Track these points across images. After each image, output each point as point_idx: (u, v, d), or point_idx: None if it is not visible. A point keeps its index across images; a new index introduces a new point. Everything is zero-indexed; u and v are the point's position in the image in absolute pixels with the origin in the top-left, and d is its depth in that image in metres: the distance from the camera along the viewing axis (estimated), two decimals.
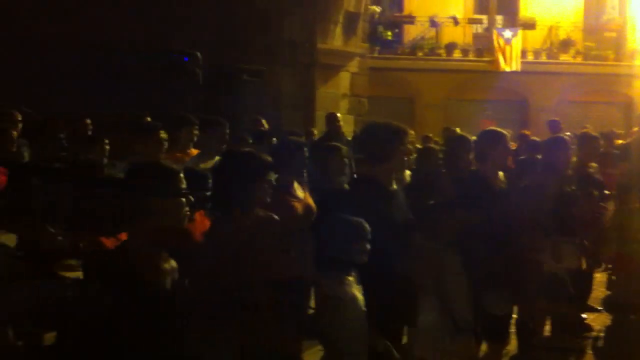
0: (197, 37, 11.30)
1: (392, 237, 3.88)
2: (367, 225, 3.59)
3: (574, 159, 6.11)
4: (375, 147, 4.18)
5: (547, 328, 6.34)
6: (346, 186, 5.46)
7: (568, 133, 8.64)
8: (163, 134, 5.83)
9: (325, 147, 6.16)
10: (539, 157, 6.39)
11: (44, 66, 10.66)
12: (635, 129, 8.89)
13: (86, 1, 11.60)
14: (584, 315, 6.77)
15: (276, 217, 3.42)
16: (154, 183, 2.73)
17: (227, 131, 6.64)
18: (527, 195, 5.25)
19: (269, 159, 3.46)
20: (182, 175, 2.84)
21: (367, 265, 3.72)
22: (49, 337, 4.63)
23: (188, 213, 2.86)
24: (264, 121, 9.62)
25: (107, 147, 7.09)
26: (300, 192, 4.93)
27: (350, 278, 3.62)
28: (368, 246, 3.60)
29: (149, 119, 7.90)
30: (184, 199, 2.79)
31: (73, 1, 11.50)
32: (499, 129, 5.30)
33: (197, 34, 11.46)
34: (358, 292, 3.63)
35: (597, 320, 6.81)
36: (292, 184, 4.81)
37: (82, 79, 10.75)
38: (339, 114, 11.33)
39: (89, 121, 8.77)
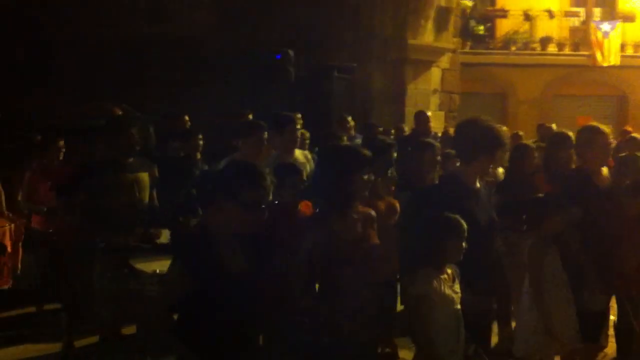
0: (288, 35, 11.42)
1: (475, 236, 3.81)
2: (464, 223, 3.55)
3: None
4: (464, 145, 4.13)
5: None
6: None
7: None
8: (264, 134, 5.89)
9: (420, 144, 6.15)
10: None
11: (144, 66, 11.04)
12: None
13: (182, 2, 11.92)
14: None
15: (373, 212, 3.46)
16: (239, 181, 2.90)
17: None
18: (629, 193, 5.06)
19: (368, 153, 3.52)
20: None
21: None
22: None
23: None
24: (349, 118, 9.65)
25: (201, 142, 7.35)
26: (383, 190, 4.98)
27: (444, 276, 3.58)
28: (464, 245, 3.56)
29: (250, 116, 8.08)
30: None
31: (170, 2, 11.84)
32: (597, 124, 5.15)
33: (288, 31, 11.59)
34: (450, 291, 3.58)
35: None
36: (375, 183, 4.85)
37: (178, 80, 11.11)
38: (429, 112, 11.16)
39: (187, 118, 9.06)
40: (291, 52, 10.45)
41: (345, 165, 3.40)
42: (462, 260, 3.69)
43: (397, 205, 5.00)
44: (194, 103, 9.91)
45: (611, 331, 5.62)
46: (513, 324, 5.30)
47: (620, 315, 5.43)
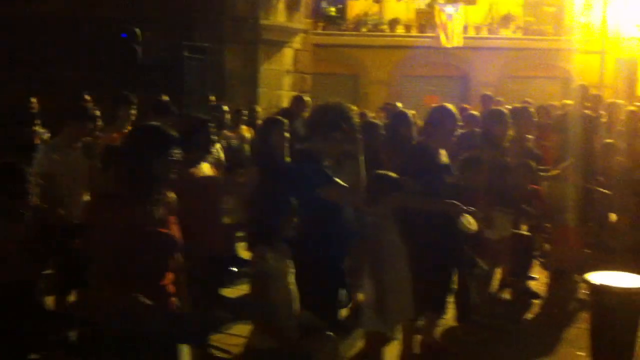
0: (136, 14, 11.06)
1: (326, 212, 3.92)
2: (293, 200, 3.61)
3: (511, 132, 6.24)
4: (319, 126, 4.21)
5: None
6: (288, 159, 5.51)
7: (508, 106, 8.81)
8: (95, 111, 5.71)
9: (267, 121, 6.18)
10: (477, 130, 6.53)
11: None
12: (569, 101, 9.10)
13: None
14: (529, 284, 6.97)
15: (173, 196, 3.29)
16: None
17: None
18: (466, 167, 5.34)
19: (174, 133, 3.23)
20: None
21: (299, 241, 3.75)
22: None
23: None
24: (212, 97, 9.55)
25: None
26: (207, 168, 4.90)
27: (279, 253, 3.63)
28: (295, 220, 3.61)
29: (87, 97, 7.76)
30: None
31: None
32: (448, 106, 5.35)
33: (136, 10, 11.22)
34: (286, 267, 3.65)
35: (539, 289, 7.01)
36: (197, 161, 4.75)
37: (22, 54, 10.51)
38: (307, 98, 11.06)
39: (34, 100, 8.63)
40: (138, 31, 10.13)
41: (147, 147, 3.11)
42: (314, 238, 3.77)
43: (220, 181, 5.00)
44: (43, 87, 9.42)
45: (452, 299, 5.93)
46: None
47: (459, 285, 5.74)
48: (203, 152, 4.87)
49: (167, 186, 3.23)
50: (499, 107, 6.79)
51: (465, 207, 4.76)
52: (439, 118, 5.20)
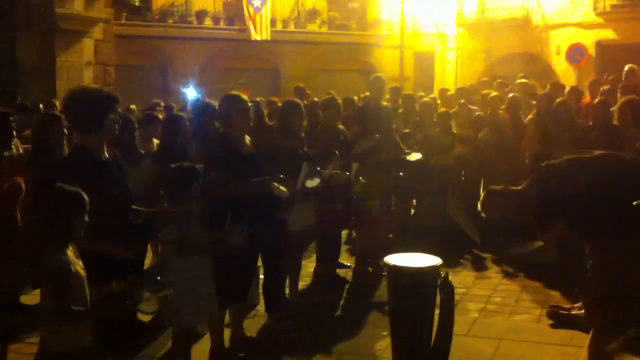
0: None
1: (108, 208, 3.74)
2: (85, 196, 3.40)
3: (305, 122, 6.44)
4: (84, 115, 3.98)
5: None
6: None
7: (316, 99, 9.01)
8: None
9: (47, 117, 5.85)
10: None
11: None
12: (367, 93, 9.51)
13: None
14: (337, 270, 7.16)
15: None
16: None
17: None
18: (266, 157, 5.37)
19: None
20: None
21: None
22: None
23: None
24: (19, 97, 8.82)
25: None
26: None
27: (69, 251, 3.41)
28: (86, 218, 3.41)
29: None
30: None
31: None
32: (238, 94, 5.34)
33: None
34: (79, 267, 3.44)
35: (348, 275, 7.22)
36: None
37: None
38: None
39: None
40: None
41: None
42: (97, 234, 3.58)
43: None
44: None
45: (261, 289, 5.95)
46: None
47: (267, 274, 5.76)
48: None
49: None
50: (294, 99, 6.92)
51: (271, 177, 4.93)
52: (228, 106, 5.18)
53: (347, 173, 6.77)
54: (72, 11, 12.49)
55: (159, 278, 3.81)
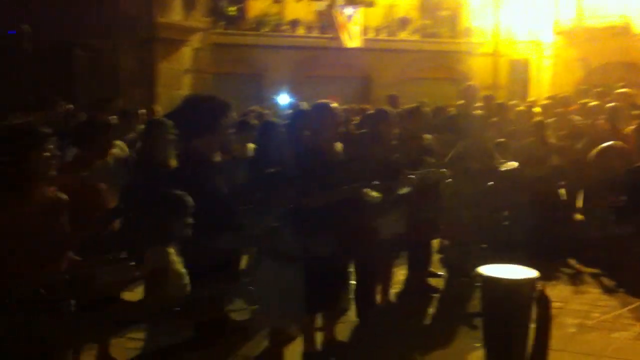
0: (27, 11, 10.59)
1: (217, 209, 3.87)
2: (189, 199, 3.54)
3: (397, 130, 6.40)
4: (199, 120, 4.14)
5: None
6: (173, 161, 5.42)
7: (407, 107, 8.99)
8: None
9: (151, 123, 6.04)
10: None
11: None
12: (461, 101, 9.38)
13: None
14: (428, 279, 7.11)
15: (65, 196, 3.21)
16: None
17: (62, 110, 6.36)
18: (356, 165, 5.40)
19: (46, 130, 3.16)
20: None
21: (191, 238, 3.68)
22: None
23: None
24: (121, 101, 9.28)
25: None
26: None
27: (172, 250, 3.55)
28: (191, 220, 3.55)
29: None
30: None
31: None
32: (328, 102, 5.39)
33: (27, 7, 10.73)
34: (180, 266, 3.58)
35: (440, 284, 7.17)
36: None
37: None
38: (179, 91, 10.99)
39: None
40: (27, 27, 9.70)
41: (19, 143, 3.03)
42: (207, 235, 3.70)
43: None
44: None
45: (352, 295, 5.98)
46: None
47: (358, 280, 5.80)
48: (100, 154, 4.87)
49: (46, 183, 3.12)
50: (385, 107, 6.92)
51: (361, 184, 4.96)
52: (315, 116, 5.23)
53: (444, 170, 6.67)
54: (172, 21, 12.97)
55: (251, 288, 3.92)
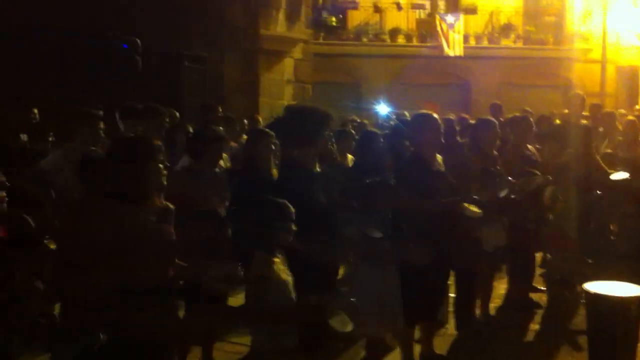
0: (136, 23, 11.10)
1: (315, 219, 3.95)
2: (290, 206, 3.64)
3: (499, 140, 6.28)
4: (300, 131, 4.24)
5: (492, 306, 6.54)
6: (275, 171, 5.56)
7: (510, 116, 8.81)
8: (101, 123, 5.77)
9: (254, 133, 6.20)
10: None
11: None
12: (566, 110, 9.08)
13: None
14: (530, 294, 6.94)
15: (171, 206, 3.39)
16: None
17: (167, 119, 6.65)
18: (454, 174, 5.36)
19: (158, 142, 3.39)
20: None
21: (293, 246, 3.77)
22: None
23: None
24: (219, 108, 9.60)
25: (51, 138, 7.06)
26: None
27: (277, 259, 3.65)
28: (293, 227, 3.64)
29: (93, 108, 7.79)
30: None
31: None
32: (429, 112, 5.38)
33: (136, 20, 11.26)
34: (285, 274, 3.67)
35: (542, 299, 6.98)
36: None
37: (24, 65, 10.53)
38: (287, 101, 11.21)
39: (35, 110, 8.70)
40: (138, 41, 10.17)
41: (137, 155, 3.22)
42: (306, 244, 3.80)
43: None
44: (40, 94, 9.48)
45: (451, 308, 5.93)
46: None
47: (458, 292, 5.75)
48: (210, 164, 5.06)
49: (159, 192, 3.33)
50: (488, 117, 6.81)
51: (461, 198, 4.91)
52: (416, 126, 5.22)
53: (548, 176, 6.50)
54: (275, 33, 13.28)
55: (352, 299, 3.97)
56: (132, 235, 3.10)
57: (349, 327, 3.72)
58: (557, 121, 9.33)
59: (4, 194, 2.63)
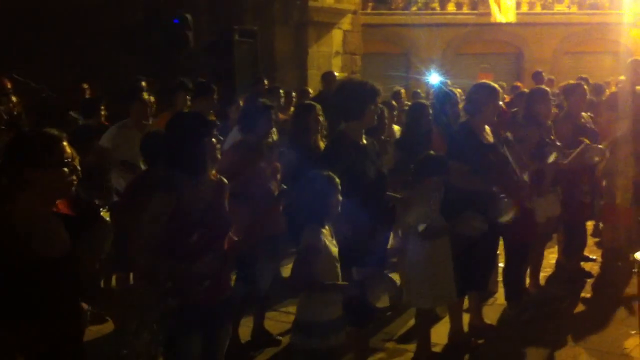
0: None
1: (363, 191, 4.02)
2: (337, 179, 3.71)
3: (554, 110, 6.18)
4: (348, 105, 4.31)
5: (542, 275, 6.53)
6: (322, 143, 5.63)
7: (563, 83, 8.65)
8: (147, 96, 5.93)
9: (302, 106, 6.27)
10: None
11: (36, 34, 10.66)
12: (622, 77, 8.83)
13: None
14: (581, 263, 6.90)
15: (225, 180, 3.52)
16: (30, 153, 2.64)
17: (216, 96, 6.74)
18: (509, 146, 5.33)
19: (212, 118, 3.57)
20: (64, 144, 2.71)
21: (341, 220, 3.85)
22: None
23: (74, 181, 2.71)
24: (266, 82, 9.72)
25: (103, 112, 7.24)
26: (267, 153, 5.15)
27: (325, 230, 3.74)
28: (340, 198, 3.72)
29: (143, 83, 7.95)
30: (66, 169, 2.68)
31: None
32: (493, 84, 5.33)
33: None
34: (332, 245, 3.75)
35: (594, 269, 6.93)
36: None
37: (76, 42, 10.79)
38: (336, 73, 11.27)
39: (86, 86, 8.91)
40: (189, 17, 10.27)
41: (192, 130, 3.37)
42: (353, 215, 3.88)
43: (279, 166, 5.21)
44: (95, 72, 9.72)
45: (500, 277, 5.95)
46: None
47: (507, 263, 5.75)
48: (262, 138, 5.12)
49: (213, 166, 3.47)
50: (542, 86, 6.69)
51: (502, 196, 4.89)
52: (477, 96, 5.20)
53: (600, 146, 6.40)
54: (324, 4, 13.24)
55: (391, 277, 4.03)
56: (194, 203, 3.27)
57: (385, 303, 3.81)
58: (613, 89, 9.13)
59: (75, 177, 2.71)
